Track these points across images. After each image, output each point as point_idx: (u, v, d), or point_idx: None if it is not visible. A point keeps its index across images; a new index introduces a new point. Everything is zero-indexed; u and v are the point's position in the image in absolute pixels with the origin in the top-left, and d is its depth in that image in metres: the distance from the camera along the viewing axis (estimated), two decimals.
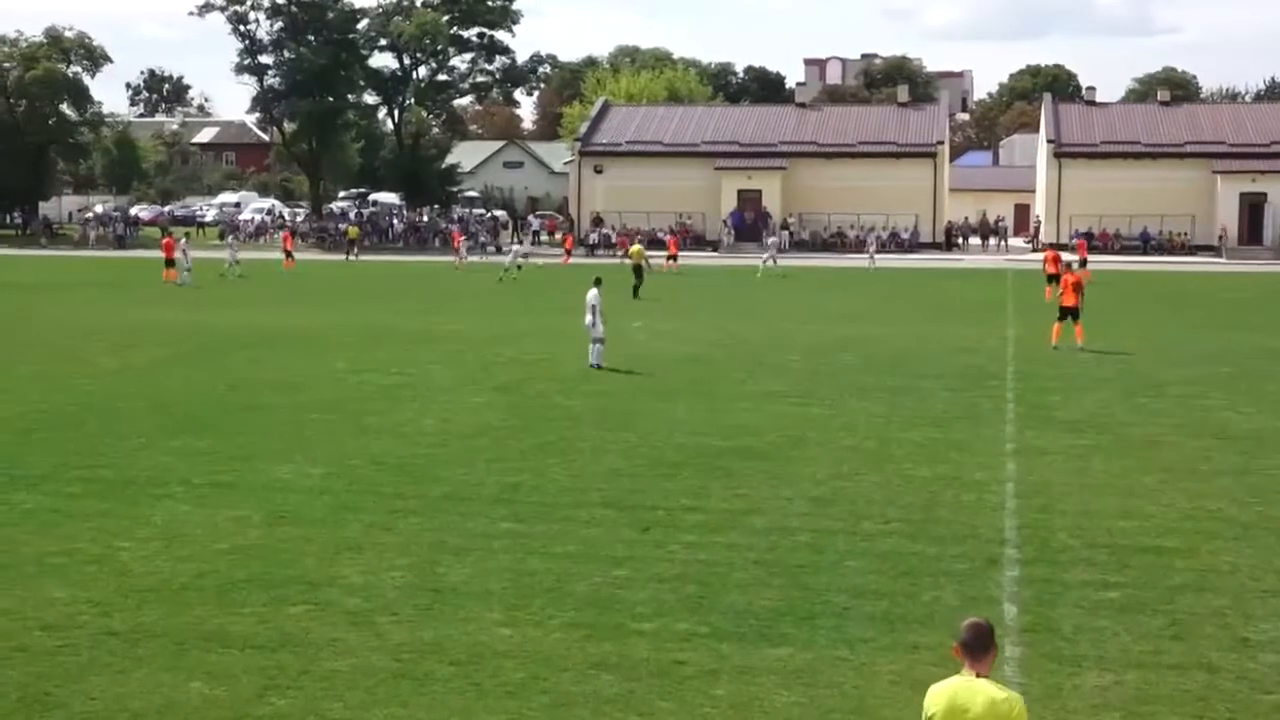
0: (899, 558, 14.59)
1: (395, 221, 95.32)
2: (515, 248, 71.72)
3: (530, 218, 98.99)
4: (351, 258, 75.96)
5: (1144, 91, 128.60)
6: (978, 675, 6.68)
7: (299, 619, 12.52)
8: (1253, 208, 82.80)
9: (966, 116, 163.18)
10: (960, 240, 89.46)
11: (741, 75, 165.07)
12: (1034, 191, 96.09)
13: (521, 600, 13.05)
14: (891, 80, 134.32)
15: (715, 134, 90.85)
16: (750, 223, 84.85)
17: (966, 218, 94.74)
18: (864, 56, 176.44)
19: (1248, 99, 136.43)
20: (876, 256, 70.18)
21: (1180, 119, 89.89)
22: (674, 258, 66.15)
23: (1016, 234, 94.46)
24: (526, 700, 10.68)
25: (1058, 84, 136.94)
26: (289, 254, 67.07)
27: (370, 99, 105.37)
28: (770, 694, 10.82)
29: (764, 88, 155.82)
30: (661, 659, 11.55)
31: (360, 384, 27.39)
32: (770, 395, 25.92)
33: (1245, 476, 18.82)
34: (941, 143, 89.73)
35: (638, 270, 50.23)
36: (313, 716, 10.40)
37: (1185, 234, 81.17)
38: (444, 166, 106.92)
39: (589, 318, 29.10)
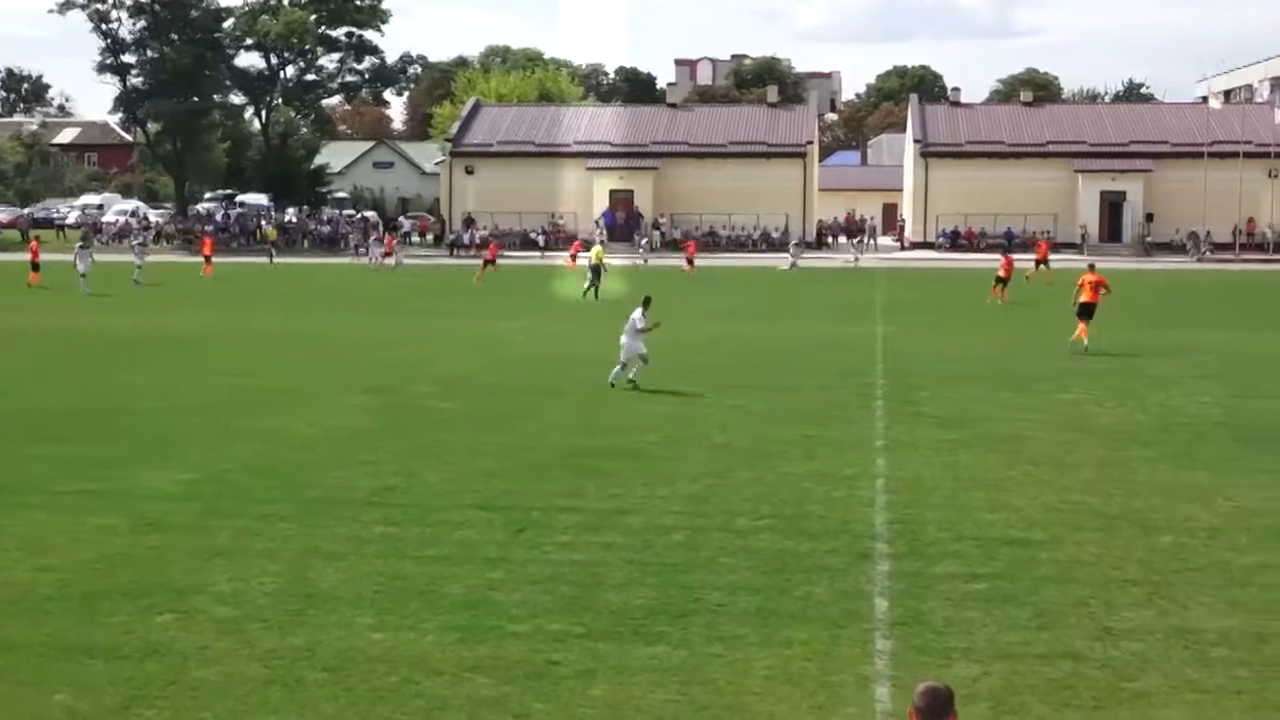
0: (772, 554, 14.68)
1: (264, 223, 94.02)
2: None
3: (401, 219, 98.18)
4: (368, 260, 71.67)
5: (1007, 92, 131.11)
6: None
7: (166, 628, 12.27)
8: (1112, 206, 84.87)
9: (835, 117, 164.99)
10: (830, 239, 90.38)
11: (612, 76, 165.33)
12: (901, 191, 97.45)
13: (394, 604, 12.93)
14: (761, 81, 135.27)
15: (587, 134, 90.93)
16: (622, 222, 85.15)
17: (835, 217, 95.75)
18: (734, 57, 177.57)
19: (1107, 99, 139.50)
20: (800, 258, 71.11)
21: (1043, 119, 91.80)
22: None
23: (885, 232, 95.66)
24: (400, 704, 10.58)
25: (924, 85, 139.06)
26: (208, 259, 63.61)
27: (237, 99, 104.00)
28: (646, 692, 10.83)
29: (635, 88, 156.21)
30: (537, 660, 11.51)
31: (233, 388, 26.97)
32: (646, 395, 25.96)
33: (1107, 469, 19.23)
34: (811, 143, 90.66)
35: (595, 271, 50.59)
36: None
37: (1048, 232, 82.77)
38: (313, 167, 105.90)
39: (625, 338, 26.56)
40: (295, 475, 18.65)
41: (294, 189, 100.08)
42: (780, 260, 71.27)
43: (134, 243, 70.27)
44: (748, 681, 11.05)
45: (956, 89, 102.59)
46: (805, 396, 25.81)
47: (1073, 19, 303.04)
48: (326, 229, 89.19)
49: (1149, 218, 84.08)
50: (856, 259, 74.38)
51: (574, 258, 50.62)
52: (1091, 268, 36.75)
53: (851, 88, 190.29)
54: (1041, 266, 57.25)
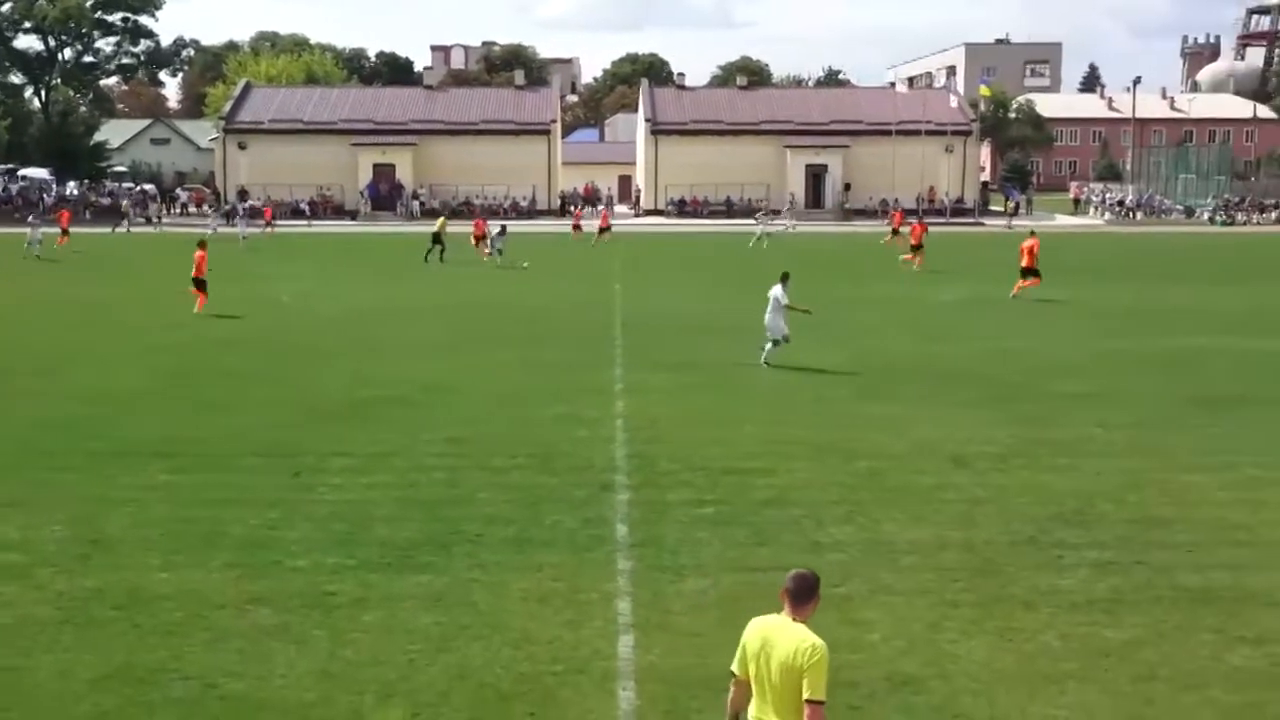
0: (525, 489, 14.71)
1: (45, 196, 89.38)
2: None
3: (178, 190, 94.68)
4: (119, 229, 69.78)
5: (726, 77, 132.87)
6: (794, 620, 6.46)
7: None
8: (815, 177, 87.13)
9: (576, 98, 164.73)
10: (572, 208, 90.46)
11: (374, 59, 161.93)
12: (635, 164, 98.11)
13: (180, 546, 12.54)
14: (509, 65, 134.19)
15: (351, 113, 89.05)
16: (385, 193, 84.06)
17: (575, 188, 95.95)
18: (485, 44, 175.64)
19: (811, 84, 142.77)
20: (770, 228, 61.52)
21: (756, 101, 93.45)
22: (607, 229, 60.92)
23: (620, 202, 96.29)
24: (187, 637, 10.29)
25: (654, 70, 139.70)
26: (65, 231, 59.56)
27: (16, 79, 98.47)
28: (414, 616, 10.76)
29: (395, 71, 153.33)
30: (314, 591, 11.32)
31: (27, 348, 25.68)
32: (411, 350, 25.66)
33: (818, 405, 19.79)
34: (554, 121, 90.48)
35: (436, 238, 48.16)
36: None
37: (763, 199, 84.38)
38: (93, 143, 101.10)
39: (770, 315, 23.61)
40: (85, 429, 17.87)
41: (75, 164, 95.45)
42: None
43: (30, 219, 66.08)
44: (505, 602, 11.08)
45: (682, 74, 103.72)
46: (554, 349, 25.86)
47: (782, 13, 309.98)
48: (107, 201, 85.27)
49: (847, 187, 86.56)
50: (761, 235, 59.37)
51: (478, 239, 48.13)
52: (1032, 234, 37.28)
53: (590, 72, 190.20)
54: (897, 235, 55.12)
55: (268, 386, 21.49)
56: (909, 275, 42.70)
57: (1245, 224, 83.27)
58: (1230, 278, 42.58)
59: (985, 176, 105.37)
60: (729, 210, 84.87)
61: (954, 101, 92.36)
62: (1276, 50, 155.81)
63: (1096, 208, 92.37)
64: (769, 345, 23.42)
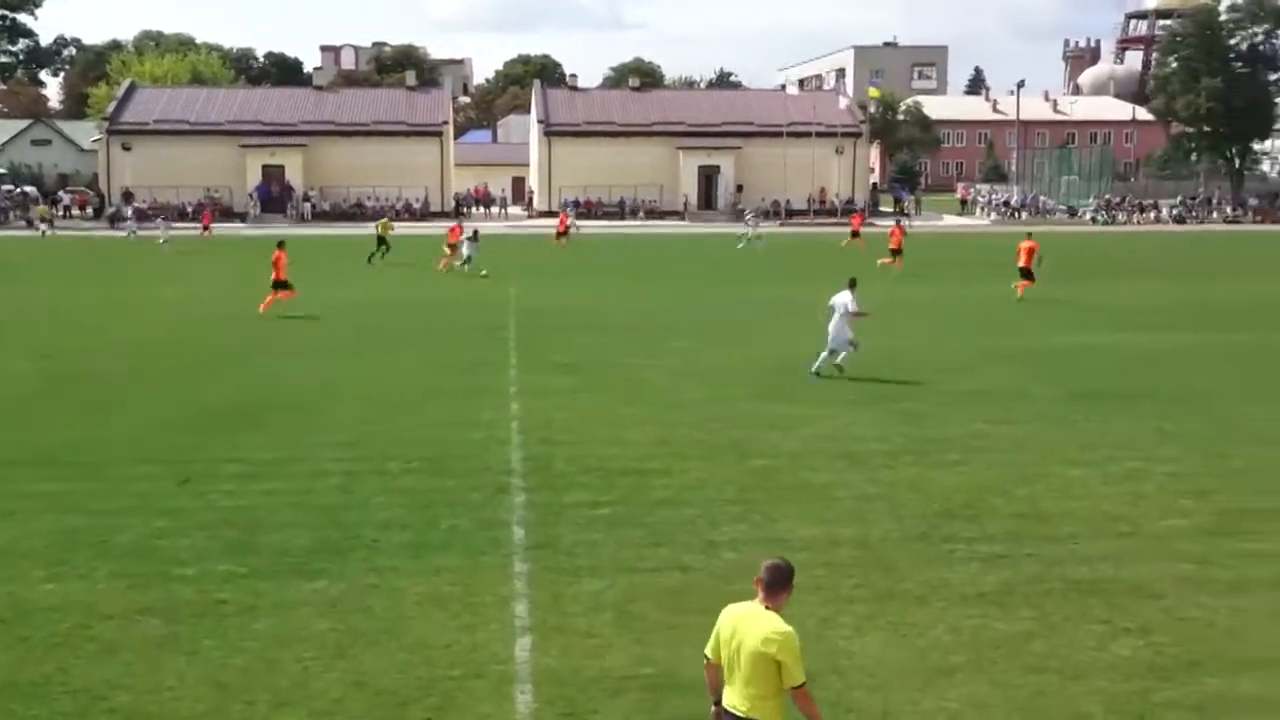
0: (421, 492, 14.61)
1: None
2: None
3: (60, 193, 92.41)
4: (39, 231, 68.57)
5: (618, 79, 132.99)
6: (766, 607, 6.63)
7: None
8: (708, 178, 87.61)
9: (468, 99, 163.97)
10: (465, 209, 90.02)
11: (262, 60, 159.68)
12: (528, 166, 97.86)
13: (65, 555, 12.25)
14: (401, 66, 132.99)
15: (239, 114, 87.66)
16: (275, 195, 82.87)
17: (469, 189, 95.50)
18: (376, 44, 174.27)
19: (703, 86, 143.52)
20: (759, 229, 61.61)
21: (649, 103, 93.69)
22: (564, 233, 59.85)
23: (514, 204, 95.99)
24: (75, 649, 10.06)
25: (546, 71, 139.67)
26: None
27: None
28: (308, 623, 10.63)
29: (284, 72, 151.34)
30: (204, 600, 11.14)
31: None
32: (306, 352, 25.35)
33: (710, 406, 19.88)
34: (446, 123, 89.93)
35: (380, 240, 48.26)
36: None
37: (655, 200, 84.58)
38: None
39: (835, 324, 22.37)
40: None
41: None
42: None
43: None
44: (401, 607, 10.99)
45: (575, 75, 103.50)
46: (449, 351, 25.71)
47: (673, 15, 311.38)
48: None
49: (739, 188, 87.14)
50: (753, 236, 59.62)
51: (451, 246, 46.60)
52: (1029, 236, 37.37)
53: (482, 73, 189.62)
54: (856, 237, 55.03)
55: (159, 391, 21.09)
56: (796, 274, 43.09)
57: (1125, 223, 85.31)
58: (1111, 276, 43.61)
59: (875, 178, 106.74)
60: (622, 212, 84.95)
61: (844, 103, 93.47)
62: (1154, 54, 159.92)
63: (983, 208, 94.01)
64: (824, 354, 22.37)
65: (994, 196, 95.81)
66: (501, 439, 17.43)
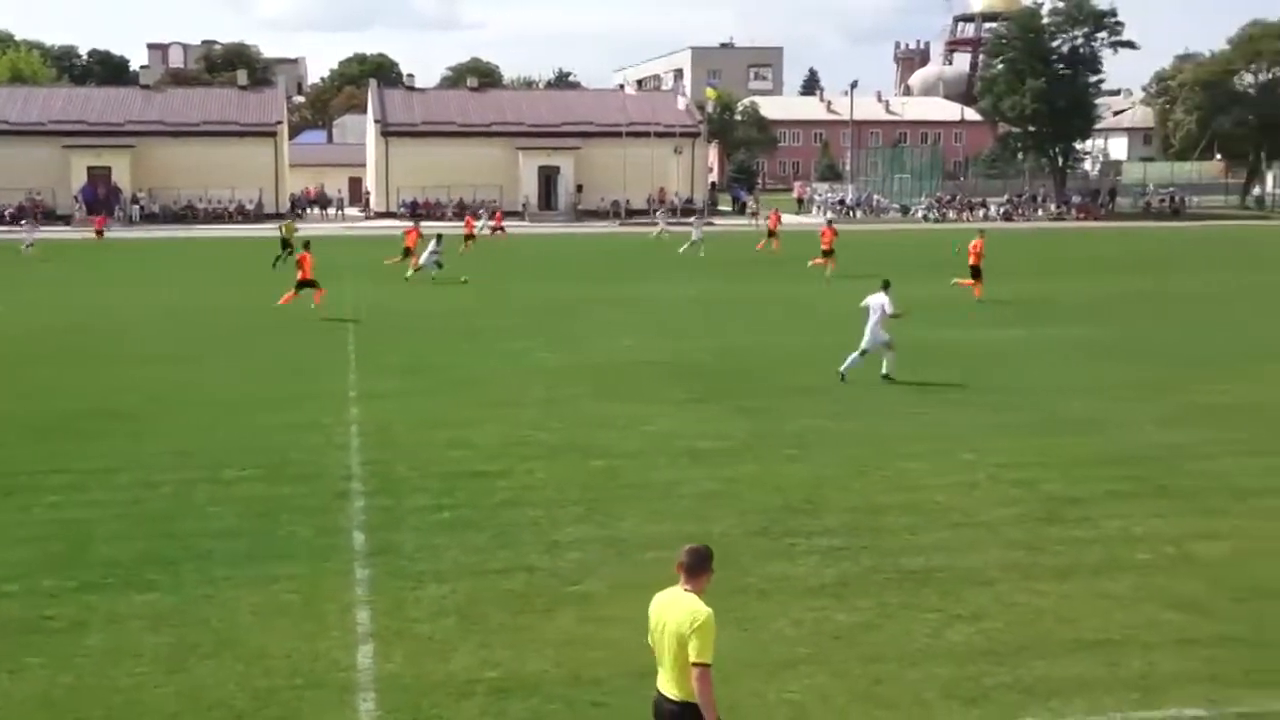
0: (257, 500, 14.33)
1: None
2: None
3: None
4: None
5: (456, 79, 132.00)
6: (687, 590, 6.79)
7: None
8: (548, 179, 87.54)
9: (302, 99, 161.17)
10: (300, 210, 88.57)
11: (86, 57, 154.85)
12: (365, 166, 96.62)
13: None
14: (231, 65, 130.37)
15: (63, 114, 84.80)
16: (102, 197, 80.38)
17: (305, 189, 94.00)
18: (205, 42, 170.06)
19: (541, 86, 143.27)
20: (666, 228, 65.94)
21: (487, 103, 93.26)
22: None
23: (351, 204, 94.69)
24: None
25: (382, 71, 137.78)
26: None
27: None
28: (139, 637, 10.34)
29: (109, 70, 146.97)
30: (30, 616, 10.76)
31: None
32: (137, 359, 24.65)
33: (551, 406, 19.88)
34: (280, 122, 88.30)
35: (284, 243, 47.24)
36: None
37: (496, 201, 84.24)
38: None
39: (872, 325, 21.92)
40: None
41: None
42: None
43: None
44: (238, 618, 10.76)
45: (411, 75, 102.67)
46: (284, 355, 25.25)
47: (509, 14, 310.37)
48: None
49: (579, 188, 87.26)
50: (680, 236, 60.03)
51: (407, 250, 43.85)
52: (981, 233, 36.97)
53: (316, 72, 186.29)
54: (773, 237, 53.98)
55: None
56: (637, 274, 43.33)
57: (956, 221, 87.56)
58: (943, 273, 44.67)
59: (714, 177, 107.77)
60: (461, 213, 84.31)
61: (682, 104, 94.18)
62: (981, 56, 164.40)
63: (819, 207, 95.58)
64: (854, 356, 21.93)
65: (829, 195, 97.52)
66: (340, 444, 17.19)
